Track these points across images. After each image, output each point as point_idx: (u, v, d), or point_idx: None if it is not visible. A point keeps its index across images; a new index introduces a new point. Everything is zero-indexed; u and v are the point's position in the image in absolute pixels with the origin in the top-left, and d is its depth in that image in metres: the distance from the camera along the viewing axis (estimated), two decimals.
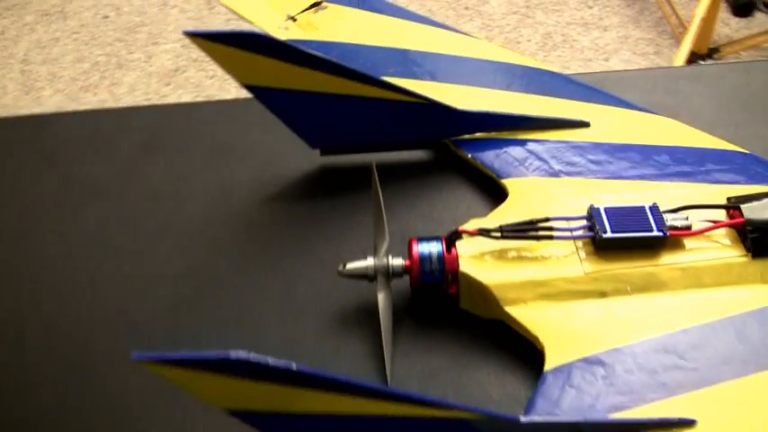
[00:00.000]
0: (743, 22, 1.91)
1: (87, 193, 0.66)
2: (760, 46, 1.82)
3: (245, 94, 0.62)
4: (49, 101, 1.73)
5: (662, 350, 0.52)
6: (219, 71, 1.79)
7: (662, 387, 0.50)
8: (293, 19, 0.78)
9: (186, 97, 1.73)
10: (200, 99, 1.73)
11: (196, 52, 1.83)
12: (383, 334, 0.54)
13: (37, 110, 1.70)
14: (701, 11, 1.68)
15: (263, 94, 0.62)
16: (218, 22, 1.92)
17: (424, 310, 0.57)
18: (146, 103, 1.73)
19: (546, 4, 1.97)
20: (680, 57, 1.66)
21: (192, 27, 1.88)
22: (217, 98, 1.73)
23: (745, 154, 0.64)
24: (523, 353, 0.54)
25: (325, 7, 0.79)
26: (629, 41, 1.87)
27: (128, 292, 0.60)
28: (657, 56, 1.85)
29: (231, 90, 1.75)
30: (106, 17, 1.94)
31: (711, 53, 1.81)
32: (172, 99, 1.72)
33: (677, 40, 1.85)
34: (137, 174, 0.68)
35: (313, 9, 0.79)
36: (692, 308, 0.54)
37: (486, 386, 0.53)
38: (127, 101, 1.72)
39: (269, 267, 0.60)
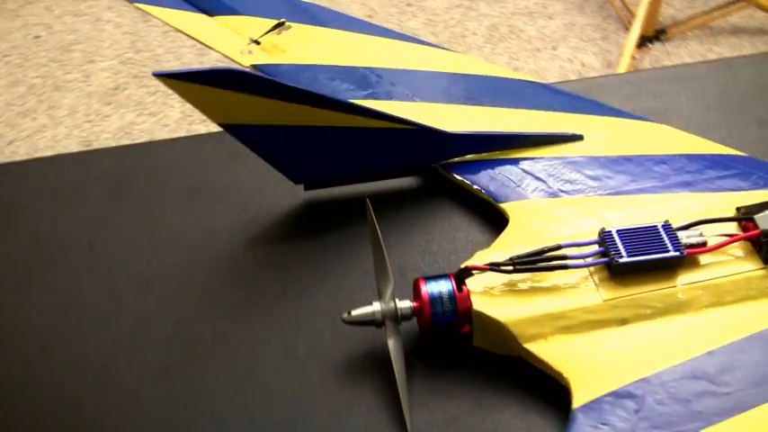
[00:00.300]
0: (686, 1, 1.91)
1: (56, 249, 0.62)
2: (706, 25, 1.83)
3: (190, 109, 0.58)
4: None
5: (691, 376, 0.50)
6: (161, 87, 1.73)
7: (698, 416, 0.48)
8: (257, 42, 0.74)
9: (129, 116, 1.67)
10: (143, 117, 1.67)
11: (136, 68, 1.77)
12: (398, 383, 0.51)
13: None
14: None
15: (240, 132, 0.58)
16: (155, 35, 1.86)
17: (436, 352, 0.54)
18: (88, 124, 1.66)
19: None
20: (630, 40, 1.65)
21: (128, 42, 1.82)
22: (161, 115, 1.68)
23: (744, 157, 0.62)
24: (546, 389, 0.51)
25: (289, 27, 0.75)
26: (576, 28, 1.86)
27: (111, 357, 0.55)
28: (605, 41, 1.84)
29: (175, 105, 1.69)
30: (37, 37, 1.87)
31: (658, 35, 1.81)
32: (114, 119, 1.66)
33: (623, 23, 1.84)
34: (108, 223, 0.63)
35: (276, 30, 0.75)
36: (716, 327, 0.52)
37: (513, 430, 0.50)
38: (68, 123, 1.66)
39: (264, 318, 0.57)
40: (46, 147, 1.59)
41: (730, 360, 0.50)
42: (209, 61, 1.77)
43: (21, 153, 1.56)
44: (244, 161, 0.64)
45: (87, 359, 0.55)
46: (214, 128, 0.59)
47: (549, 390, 0.51)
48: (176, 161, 0.67)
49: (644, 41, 1.77)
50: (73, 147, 1.60)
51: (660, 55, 1.78)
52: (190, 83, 0.55)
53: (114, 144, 1.59)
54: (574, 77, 1.73)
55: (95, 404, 0.53)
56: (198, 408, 0.52)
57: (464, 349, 0.53)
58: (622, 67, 1.65)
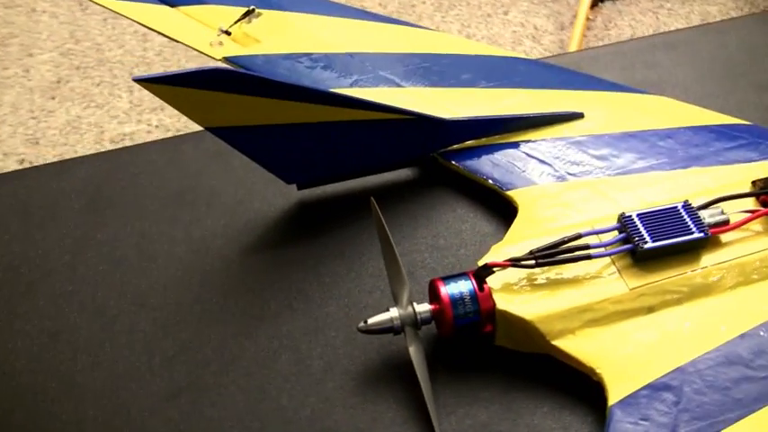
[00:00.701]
0: None
1: (36, 273, 0.57)
2: None
3: (137, 98, 0.54)
4: None
5: (727, 362, 0.48)
6: (106, 76, 1.66)
7: (738, 404, 0.46)
8: (227, 32, 0.70)
9: (75, 110, 1.60)
10: (90, 110, 1.61)
11: (78, 59, 1.69)
12: (425, 392, 0.48)
13: None
14: None
15: (229, 134, 0.55)
16: (95, 24, 1.78)
17: (457, 355, 0.51)
18: (33, 121, 1.59)
19: None
20: (584, 2, 1.63)
21: (67, 33, 1.73)
22: (108, 106, 1.61)
23: (749, 126, 0.61)
24: (576, 385, 0.49)
25: (259, 14, 0.71)
26: None
27: (112, 385, 0.51)
28: (556, 2, 1.81)
29: (122, 95, 1.62)
30: None
31: None
32: (61, 113, 1.58)
33: None
34: (89, 239, 0.59)
35: (247, 18, 0.70)
36: (745, 308, 0.50)
37: (548, 431, 0.48)
38: (11, 121, 1.58)
39: (271, 332, 0.53)
40: None
41: (764, 341, 0.49)
42: (153, 47, 1.70)
43: None
44: (228, 161, 0.61)
45: (85, 389, 0.51)
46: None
47: (580, 386, 0.49)
48: (155, 166, 0.63)
49: (596, 1, 1.75)
50: (19, 146, 1.53)
51: (611, 13, 1.77)
52: (174, 86, 0.51)
53: (62, 140, 1.53)
54: (528, 42, 1.70)
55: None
56: None
57: (486, 350, 0.51)
58: (577, 28, 1.63)
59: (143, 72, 1.62)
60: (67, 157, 1.46)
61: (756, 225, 0.52)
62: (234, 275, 0.56)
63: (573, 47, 1.58)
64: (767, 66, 0.68)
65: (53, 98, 1.63)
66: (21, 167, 1.41)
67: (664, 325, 0.49)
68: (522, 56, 0.67)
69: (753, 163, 0.57)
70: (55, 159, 1.45)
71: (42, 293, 0.56)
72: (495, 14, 1.80)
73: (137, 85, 0.57)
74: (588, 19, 1.66)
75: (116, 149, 0.64)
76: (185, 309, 0.55)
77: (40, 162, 1.46)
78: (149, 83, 0.51)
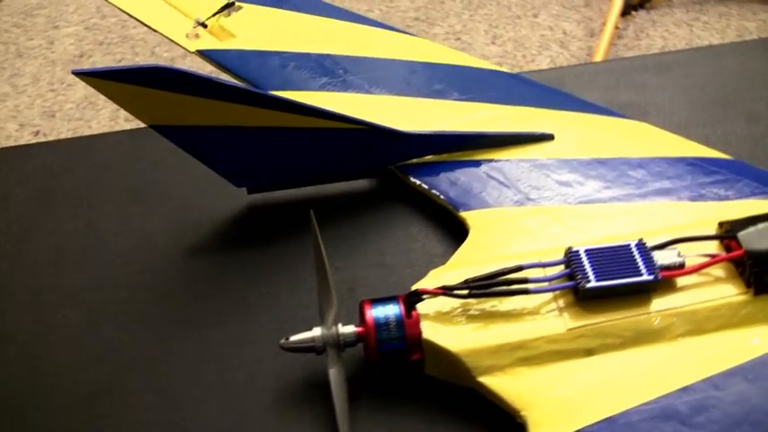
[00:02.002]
0: None
1: None
2: None
3: None
4: None
5: (662, 416, 0.45)
6: (128, 53, 1.66)
7: None
8: (203, 25, 0.68)
9: None
10: None
11: (102, 35, 1.70)
12: (338, 416, 0.46)
13: None
14: None
15: (174, 134, 0.53)
16: None
17: (384, 381, 0.49)
18: (51, 93, 1.59)
19: None
20: (613, 9, 1.59)
21: (94, 8, 1.74)
22: None
23: (730, 161, 0.57)
24: (504, 424, 0.46)
25: (240, 8, 0.69)
26: None
27: (34, 381, 0.50)
28: (587, 8, 1.77)
29: None
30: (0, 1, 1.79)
31: (643, 2, 1.75)
32: (79, 88, 1.59)
33: None
34: (35, 230, 0.58)
35: (225, 12, 0.69)
36: (692, 359, 0.47)
37: None
38: (30, 92, 1.59)
39: (200, 339, 0.52)
40: (7, 117, 1.53)
41: (706, 398, 0.46)
42: None
43: None
44: (185, 159, 0.59)
45: (5, 380, 0.50)
46: None
47: (507, 425, 0.46)
48: (111, 158, 0.62)
49: (628, 9, 1.71)
50: (36, 117, 1.54)
51: (644, 23, 1.72)
52: (118, 82, 0.49)
53: (78, 115, 1.53)
54: (555, 47, 1.67)
55: (12, 423, 0.48)
56: None
57: (415, 377, 0.49)
58: (605, 36, 1.59)
59: (164, 51, 1.61)
60: (81, 132, 1.46)
61: (717, 270, 0.49)
62: (173, 277, 0.55)
63: (599, 56, 1.54)
64: (762, 95, 0.64)
65: None
66: (35, 140, 1.42)
67: (601, 370, 0.47)
68: (504, 69, 0.64)
69: (726, 201, 0.54)
70: (69, 134, 1.45)
71: None
72: (524, 16, 1.77)
73: None
74: (617, 27, 1.62)
75: (73, 138, 0.62)
76: (118, 307, 0.53)
77: (54, 136, 1.47)
78: (89, 77, 0.49)
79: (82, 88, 1.60)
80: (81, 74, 0.49)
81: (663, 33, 1.69)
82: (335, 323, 0.47)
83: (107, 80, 0.49)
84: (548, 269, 0.48)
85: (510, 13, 1.77)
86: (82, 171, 0.61)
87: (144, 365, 0.51)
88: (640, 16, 1.73)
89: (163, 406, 0.49)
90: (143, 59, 1.58)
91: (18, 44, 1.69)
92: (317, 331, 0.47)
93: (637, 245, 0.49)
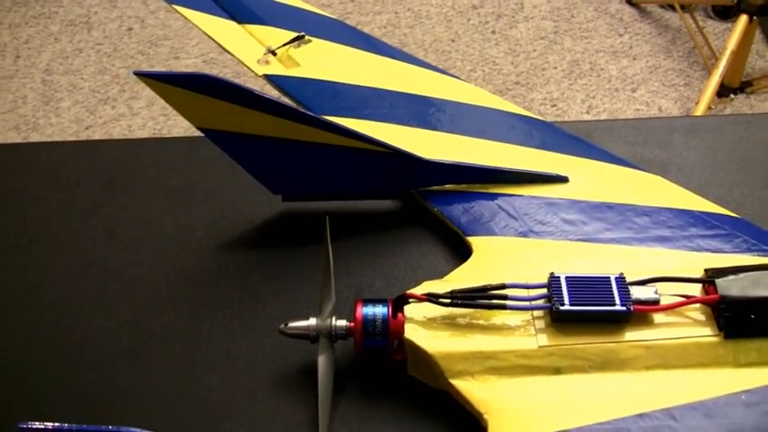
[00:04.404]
0: None
1: (41, 232, 0.64)
2: None
3: None
4: (67, 112, 1.73)
5: None
6: None
7: None
8: (273, 53, 0.75)
9: None
10: None
11: (217, 68, 1.81)
12: (320, 399, 0.51)
13: (54, 120, 1.70)
14: (732, 43, 1.62)
15: (219, 138, 0.60)
16: None
17: (370, 376, 0.54)
18: (162, 117, 1.71)
19: (575, 30, 1.93)
20: (708, 90, 1.60)
21: (214, 44, 1.86)
22: None
23: (735, 219, 0.60)
24: (471, 427, 0.50)
25: (309, 41, 0.76)
26: (659, 72, 1.82)
27: (66, 339, 0.57)
28: (687, 87, 1.79)
29: None
30: (130, 29, 1.94)
31: (743, 87, 1.75)
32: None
33: (709, 71, 1.79)
34: (94, 214, 0.65)
35: (295, 43, 0.76)
36: (654, 391, 0.50)
37: None
38: (143, 115, 1.71)
39: (214, 321, 0.57)
40: (119, 135, 1.65)
41: (661, 426, 0.48)
42: None
43: (95, 138, 1.63)
44: (231, 167, 0.65)
45: (42, 337, 0.57)
46: None
47: (474, 428, 0.50)
48: (169, 160, 0.69)
49: (727, 92, 1.72)
50: (145, 137, 1.65)
51: (742, 107, 1.72)
52: (169, 85, 0.56)
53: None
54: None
55: (39, 373, 0.55)
56: (129, 400, 0.53)
57: (397, 377, 0.53)
58: (696, 113, 1.60)
59: (271, 90, 1.71)
60: None
61: (693, 313, 0.52)
62: (203, 265, 0.61)
63: None
64: None
65: None
66: None
67: (565, 389, 0.50)
68: (536, 117, 0.69)
69: (721, 254, 0.57)
70: None
71: (41, 248, 0.63)
72: (622, 89, 1.79)
73: None
74: (710, 108, 1.62)
75: (141, 139, 0.70)
76: (151, 284, 0.60)
77: None
78: (147, 78, 0.56)
79: None
80: (140, 75, 0.56)
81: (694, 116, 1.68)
82: (331, 316, 0.52)
83: (162, 83, 0.56)
84: (531, 291, 0.52)
85: (609, 86, 1.80)
86: (140, 168, 0.68)
87: (163, 337, 0.57)
88: (739, 100, 1.73)
89: (172, 374, 0.55)
90: None
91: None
92: (312, 321, 0.52)
93: (616, 278, 0.52)
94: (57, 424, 0.38)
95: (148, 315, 0.58)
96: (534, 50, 1.89)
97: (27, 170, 0.69)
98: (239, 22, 0.79)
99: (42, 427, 0.37)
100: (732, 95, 1.74)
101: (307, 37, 0.76)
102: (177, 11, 0.80)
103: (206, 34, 0.79)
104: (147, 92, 1.78)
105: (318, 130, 0.59)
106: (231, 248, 0.62)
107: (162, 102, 1.67)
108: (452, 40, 1.91)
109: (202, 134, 0.60)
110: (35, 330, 0.58)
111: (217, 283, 0.60)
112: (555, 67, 1.86)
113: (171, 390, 0.54)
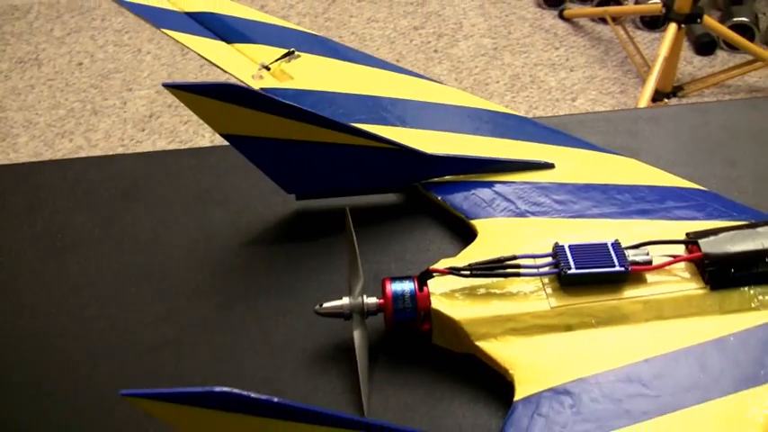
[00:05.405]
0: (705, 60, 1.97)
1: (69, 241, 0.68)
2: (722, 83, 1.88)
3: (219, 140, 0.65)
4: (25, 147, 1.75)
5: (626, 379, 0.54)
6: (194, 116, 1.81)
7: (626, 414, 0.53)
8: (267, 68, 0.81)
9: (161, 143, 1.75)
10: (174, 144, 1.76)
11: (171, 98, 1.85)
12: (360, 369, 0.56)
13: (12, 155, 1.72)
14: (663, 50, 1.73)
15: (239, 142, 0.65)
16: (192, 68, 1.95)
17: (399, 347, 0.59)
18: (121, 148, 1.75)
19: (513, 46, 2.02)
20: (644, 96, 1.71)
21: (165, 74, 1.91)
22: (190, 143, 1.76)
23: (704, 192, 0.67)
24: (494, 385, 0.56)
25: (299, 56, 0.82)
26: (596, 81, 1.92)
27: (111, 335, 0.61)
28: (623, 94, 1.89)
29: (205, 135, 1.77)
30: (80, 64, 1.97)
31: (675, 91, 1.86)
32: (147, 144, 1.74)
33: (642, 78, 1.90)
34: (117, 221, 0.70)
35: (286, 58, 0.81)
36: (654, 339, 0.57)
37: (459, 418, 0.55)
38: (102, 146, 1.74)
39: (247, 309, 0.62)
40: None
41: (663, 368, 0.55)
42: None
43: None
44: (243, 173, 0.71)
45: (88, 334, 0.62)
46: (220, 143, 0.65)
47: (496, 386, 0.56)
48: (183, 170, 0.74)
49: (660, 97, 1.82)
50: None
51: None
52: (197, 95, 0.62)
53: None
54: None
55: (90, 367, 0.60)
56: (181, 383, 0.58)
57: (424, 347, 0.59)
58: None
59: None
60: None
61: (681, 271, 0.59)
62: (228, 262, 0.66)
63: None
64: (741, 145, 0.74)
65: (143, 130, 1.79)
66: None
67: (577, 342, 0.56)
68: (518, 114, 0.75)
69: (695, 221, 0.64)
70: None
71: (70, 257, 0.67)
72: (563, 99, 1.89)
73: None
74: None
75: (154, 152, 0.75)
76: (182, 283, 0.65)
77: None
78: (175, 89, 0.61)
79: (149, 145, 1.75)
80: (169, 86, 0.61)
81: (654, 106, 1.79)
82: (361, 294, 0.58)
83: (188, 93, 0.61)
84: (538, 260, 0.59)
85: (550, 97, 1.90)
86: (158, 177, 0.73)
87: (200, 327, 0.62)
88: (672, 103, 1.84)
89: (214, 360, 0.60)
90: None
91: (94, 103, 1.85)
92: (345, 300, 0.58)
93: (612, 244, 0.59)
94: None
95: (185, 309, 0.63)
96: (476, 67, 1.97)
97: (46, 187, 0.73)
98: (228, 42, 0.84)
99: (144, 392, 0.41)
100: (666, 99, 1.85)
101: (296, 53, 0.82)
102: (168, 35, 0.85)
103: (199, 55, 0.84)
104: (103, 124, 1.81)
105: (330, 131, 0.64)
106: (253, 245, 0.67)
107: (120, 133, 1.70)
108: (397, 61, 1.99)
109: (203, 146, 0.65)
110: (78, 329, 0.62)
111: (244, 276, 0.65)
112: (497, 82, 1.95)
113: (215, 374, 0.59)
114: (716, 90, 1.89)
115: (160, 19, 0.84)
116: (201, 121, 0.64)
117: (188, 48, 0.84)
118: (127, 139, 1.76)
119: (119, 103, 1.86)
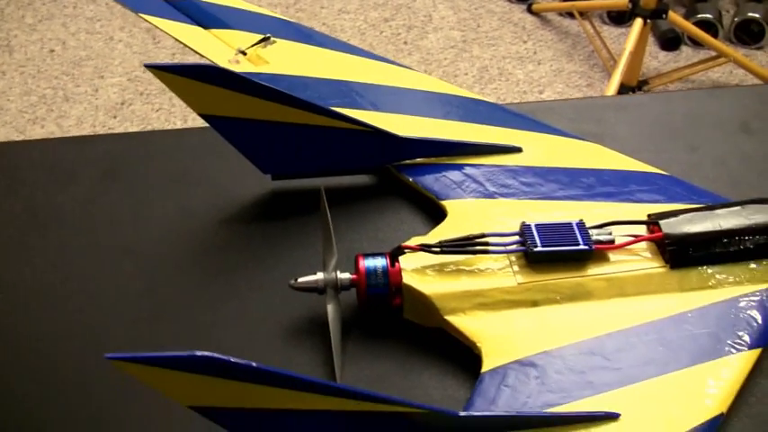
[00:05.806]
0: (670, 55, 2.01)
1: (50, 220, 0.70)
2: (686, 78, 1.92)
3: (190, 125, 0.66)
4: None
5: (589, 353, 0.57)
6: (165, 104, 1.82)
7: (589, 386, 0.55)
8: (243, 53, 0.82)
9: (133, 130, 1.76)
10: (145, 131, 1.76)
11: (142, 86, 1.86)
12: (333, 342, 0.58)
13: None
14: (629, 45, 1.77)
15: (218, 123, 0.67)
16: (164, 56, 1.95)
17: (371, 321, 0.62)
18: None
19: (482, 39, 2.05)
20: (610, 89, 1.74)
21: (137, 62, 1.91)
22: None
23: (665, 176, 0.70)
24: (462, 358, 0.58)
25: (274, 42, 0.83)
26: (563, 74, 1.95)
27: (92, 309, 0.63)
28: (589, 88, 1.93)
29: (177, 122, 1.78)
30: (52, 51, 1.96)
31: (641, 85, 1.90)
32: (119, 131, 1.74)
33: (608, 72, 1.93)
34: (97, 200, 0.71)
35: (262, 44, 0.83)
36: (617, 314, 0.59)
37: (429, 388, 0.58)
38: (74, 133, 1.74)
39: (225, 285, 0.64)
40: None
41: (625, 342, 0.58)
42: None
43: None
44: (220, 154, 0.72)
45: (69, 308, 0.63)
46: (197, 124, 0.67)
47: (464, 359, 0.58)
48: (163, 150, 0.75)
49: (626, 91, 1.86)
50: None
51: None
52: (178, 76, 0.63)
53: None
54: None
55: (70, 340, 0.61)
56: None
57: (395, 321, 0.61)
58: None
59: None
60: None
61: (643, 251, 0.62)
62: (207, 240, 0.68)
63: None
64: (703, 133, 0.77)
65: (115, 117, 1.80)
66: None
67: (543, 317, 0.59)
68: (487, 99, 0.78)
69: (657, 204, 0.67)
70: None
71: (52, 235, 0.69)
72: (530, 92, 1.92)
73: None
74: None
75: (134, 132, 0.76)
76: (162, 259, 0.66)
77: None
78: (157, 69, 0.63)
79: (121, 132, 1.75)
80: (151, 66, 0.63)
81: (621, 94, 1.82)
82: (335, 270, 0.60)
83: (170, 73, 0.63)
84: (506, 238, 0.61)
85: (518, 89, 1.93)
86: (138, 158, 0.74)
87: (179, 302, 0.63)
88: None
89: (193, 334, 0.61)
90: (179, 109, 1.73)
91: (66, 90, 1.85)
92: (320, 275, 0.60)
93: (577, 224, 0.61)
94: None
95: (163, 285, 0.65)
96: (445, 59, 2.00)
97: (25, 166, 0.74)
98: (205, 27, 0.86)
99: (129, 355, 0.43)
100: (631, 93, 1.88)
101: (272, 38, 0.84)
102: (144, 18, 0.86)
103: (176, 40, 0.85)
104: (75, 111, 1.81)
105: (307, 112, 0.66)
106: (231, 223, 0.69)
107: (92, 120, 1.71)
108: None
109: (182, 128, 0.67)
110: (58, 304, 0.63)
111: (222, 253, 0.67)
112: (466, 74, 1.97)
113: (194, 347, 0.60)
114: (680, 84, 1.93)
115: (138, 4, 0.85)
116: (173, 109, 0.66)
117: (165, 32, 0.85)
118: (99, 126, 1.76)
119: (90, 90, 1.86)
